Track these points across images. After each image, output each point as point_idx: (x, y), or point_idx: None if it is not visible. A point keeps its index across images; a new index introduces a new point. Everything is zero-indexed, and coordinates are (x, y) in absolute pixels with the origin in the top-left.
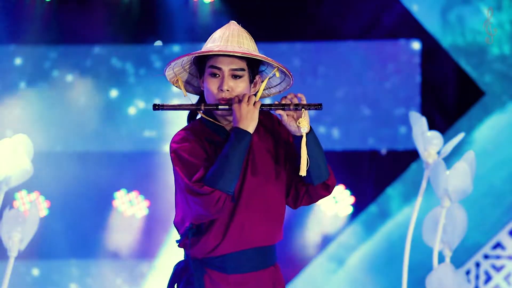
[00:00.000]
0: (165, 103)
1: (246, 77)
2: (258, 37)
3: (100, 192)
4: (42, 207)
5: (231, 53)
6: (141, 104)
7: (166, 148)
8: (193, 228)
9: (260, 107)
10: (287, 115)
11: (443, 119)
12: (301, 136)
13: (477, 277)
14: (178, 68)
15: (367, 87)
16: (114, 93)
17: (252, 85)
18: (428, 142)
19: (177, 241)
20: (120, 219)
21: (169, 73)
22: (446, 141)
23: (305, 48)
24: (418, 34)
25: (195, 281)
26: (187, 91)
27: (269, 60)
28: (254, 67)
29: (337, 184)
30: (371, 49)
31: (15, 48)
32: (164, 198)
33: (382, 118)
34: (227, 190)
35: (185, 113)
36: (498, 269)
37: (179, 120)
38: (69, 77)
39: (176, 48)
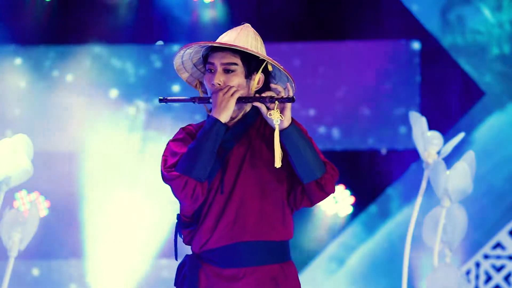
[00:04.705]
0: (168, 97)
1: (239, 72)
2: None
3: (100, 192)
4: (42, 207)
5: (208, 44)
6: (141, 104)
7: None
8: (183, 221)
9: (239, 99)
10: (267, 108)
11: (443, 119)
12: (281, 130)
13: (477, 277)
14: (195, 71)
15: (367, 87)
16: (114, 93)
17: (251, 81)
18: (428, 142)
19: (180, 236)
20: (120, 219)
21: (184, 75)
22: (446, 141)
23: (305, 48)
24: (418, 34)
25: (189, 276)
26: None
27: (253, 52)
28: (252, 63)
29: (336, 184)
30: (371, 49)
31: (15, 48)
32: (164, 198)
33: (382, 118)
34: (195, 176)
35: (185, 114)
36: (498, 269)
37: (179, 120)
38: (69, 77)
39: (176, 48)
